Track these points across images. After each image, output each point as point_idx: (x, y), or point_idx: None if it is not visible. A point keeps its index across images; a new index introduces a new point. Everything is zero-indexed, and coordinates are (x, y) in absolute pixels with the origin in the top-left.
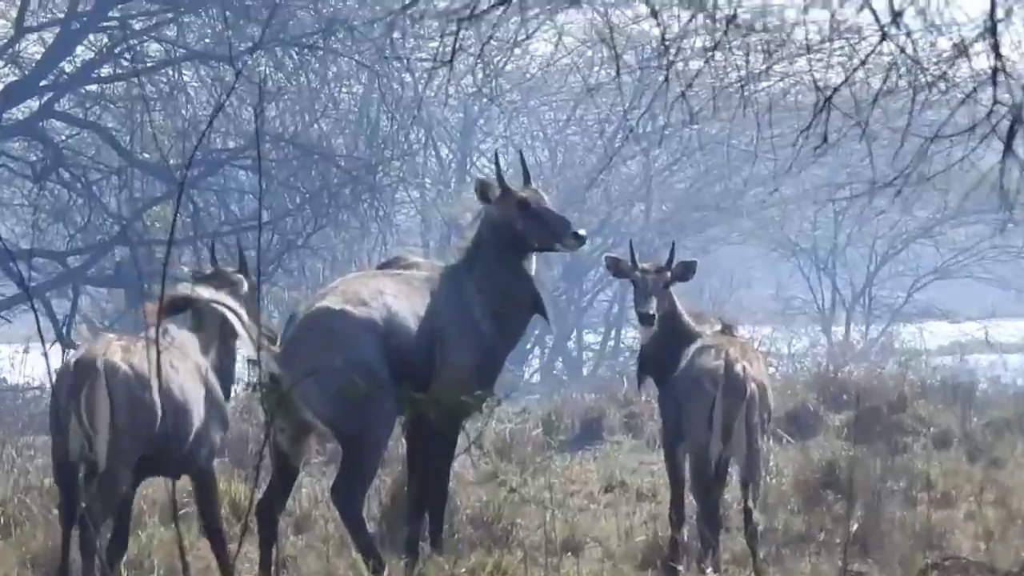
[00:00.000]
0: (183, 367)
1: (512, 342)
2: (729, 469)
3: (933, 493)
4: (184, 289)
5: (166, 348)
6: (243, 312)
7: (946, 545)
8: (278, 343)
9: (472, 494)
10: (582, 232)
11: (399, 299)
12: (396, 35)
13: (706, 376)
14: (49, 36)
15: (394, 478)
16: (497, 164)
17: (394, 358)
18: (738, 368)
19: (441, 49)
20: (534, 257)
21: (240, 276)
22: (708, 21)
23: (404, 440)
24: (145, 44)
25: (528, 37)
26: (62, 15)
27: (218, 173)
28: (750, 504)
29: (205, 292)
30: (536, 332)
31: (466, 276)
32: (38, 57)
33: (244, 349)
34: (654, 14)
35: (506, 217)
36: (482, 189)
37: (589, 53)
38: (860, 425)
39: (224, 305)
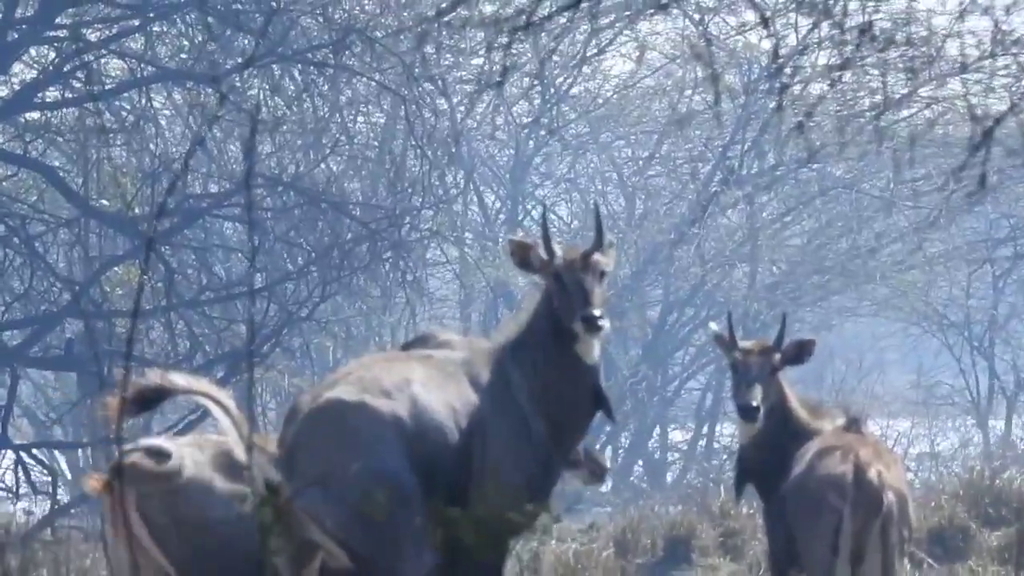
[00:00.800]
0: None
1: (570, 444)
2: None
3: None
4: (155, 377)
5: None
6: (229, 402)
7: None
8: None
9: None
10: (594, 314)
11: (430, 389)
12: (428, 49)
13: (830, 485)
14: None
15: None
16: (544, 219)
17: (423, 463)
18: (872, 474)
19: (488, 68)
20: (597, 341)
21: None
22: (834, 32)
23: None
24: (104, 60)
25: (600, 52)
26: None
27: (197, 225)
28: None
29: (180, 380)
30: (608, 429)
31: (513, 361)
32: None
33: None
34: (764, 23)
35: (547, 291)
36: (521, 253)
37: (680, 73)
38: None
39: (205, 395)
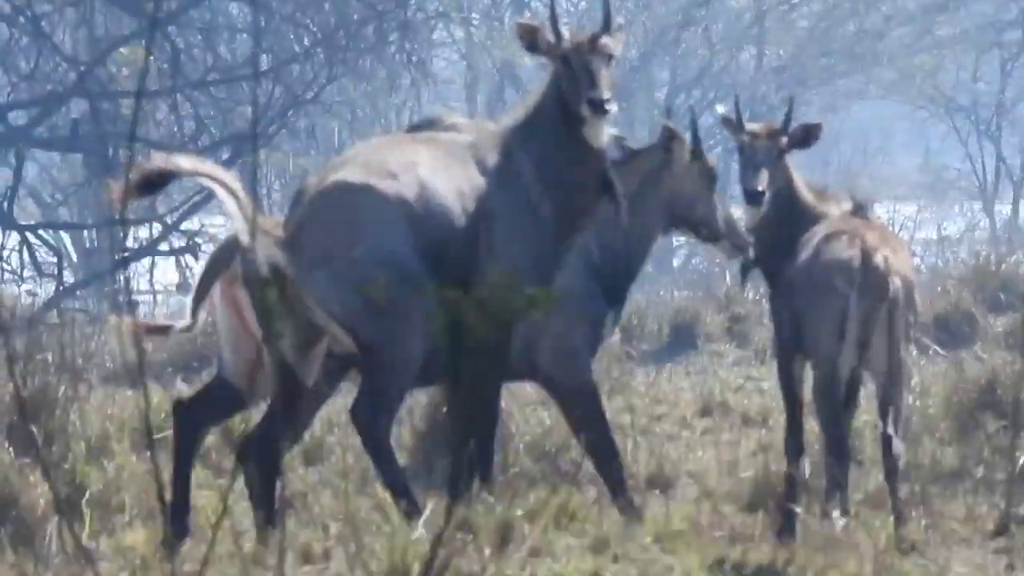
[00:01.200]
0: None
1: (576, 231)
2: (863, 387)
3: None
4: (159, 159)
5: None
6: (235, 184)
7: None
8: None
9: (531, 417)
10: (601, 97)
11: (437, 172)
12: None
13: (836, 269)
14: None
15: (430, 397)
16: (552, 2)
17: (428, 246)
18: (878, 259)
19: None
20: (604, 125)
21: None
22: None
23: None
24: None
25: None
26: None
27: (203, 5)
28: (890, 431)
29: (185, 162)
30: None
31: (521, 145)
32: None
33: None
34: None
35: (554, 74)
36: (529, 37)
37: None
38: None
39: (210, 177)
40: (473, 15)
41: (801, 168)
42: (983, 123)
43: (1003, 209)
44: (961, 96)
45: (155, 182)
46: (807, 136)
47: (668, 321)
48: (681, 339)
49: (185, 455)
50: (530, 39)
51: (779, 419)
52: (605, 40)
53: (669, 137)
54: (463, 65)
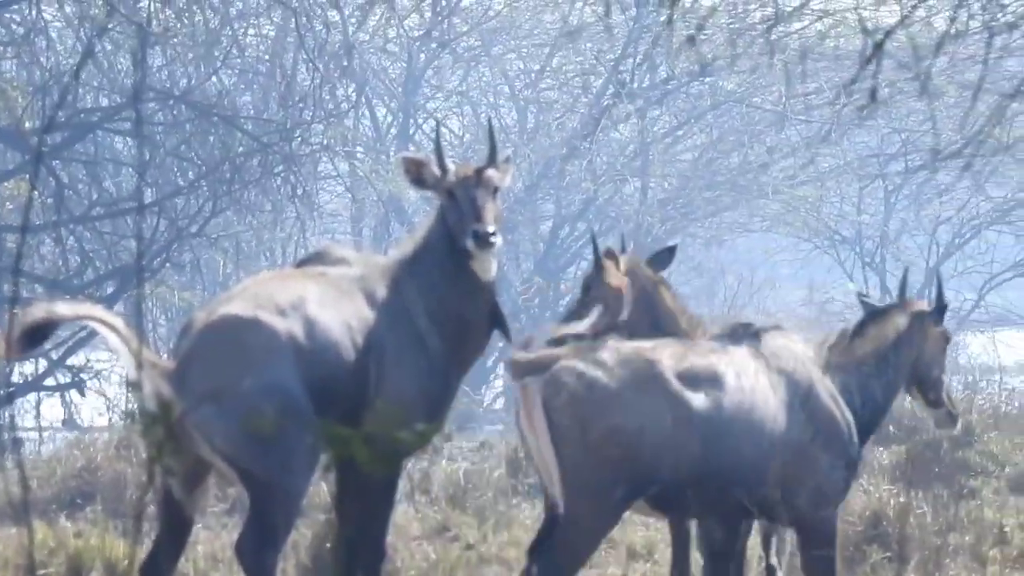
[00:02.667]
0: None
1: (468, 363)
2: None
3: (1008, 550)
4: (38, 310)
5: None
6: (116, 320)
7: None
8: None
9: (417, 552)
10: (486, 230)
11: (325, 307)
12: None
13: None
14: None
15: (315, 531)
16: (437, 135)
17: (317, 382)
18: None
19: None
20: (492, 258)
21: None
22: None
23: (327, 484)
24: None
25: None
26: None
27: (88, 139)
28: (772, 561)
29: (64, 308)
30: (500, 345)
31: (410, 278)
32: None
33: (124, 367)
34: None
35: (441, 207)
36: (415, 170)
37: None
38: (914, 464)
39: (91, 318)
40: (357, 148)
41: (688, 299)
42: (867, 255)
43: None
44: (845, 228)
45: (39, 333)
46: (660, 263)
47: None
48: None
49: None
50: (416, 172)
51: (665, 553)
52: (491, 173)
53: (917, 314)
54: (348, 197)
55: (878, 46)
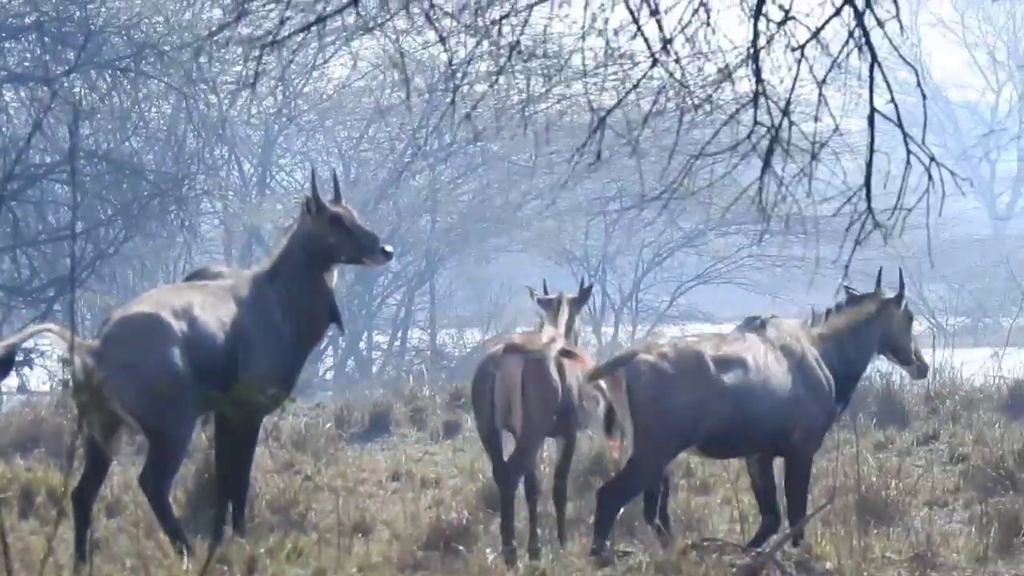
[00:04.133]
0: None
1: (310, 348)
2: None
3: (693, 481)
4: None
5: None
6: (52, 326)
7: (704, 528)
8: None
9: (271, 482)
10: (389, 248)
11: (205, 310)
12: (203, 59)
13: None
14: None
15: (198, 467)
16: (313, 181)
17: (198, 362)
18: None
19: (245, 73)
20: (335, 269)
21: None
22: (492, 48)
23: (207, 433)
24: None
25: (326, 62)
26: None
27: (36, 187)
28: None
29: (14, 337)
30: (330, 334)
31: (270, 286)
32: None
33: (60, 349)
34: (442, 41)
35: (320, 231)
36: (305, 204)
37: (381, 76)
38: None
39: (36, 332)
40: (229, 192)
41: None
42: (592, 269)
43: (607, 331)
44: (577, 250)
45: (4, 364)
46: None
47: (368, 412)
48: (378, 425)
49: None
50: (307, 206)
51: (447, 482)
52: (347, 206)
53: (883, 300)
54: (222, 228)
55: (601, 121)
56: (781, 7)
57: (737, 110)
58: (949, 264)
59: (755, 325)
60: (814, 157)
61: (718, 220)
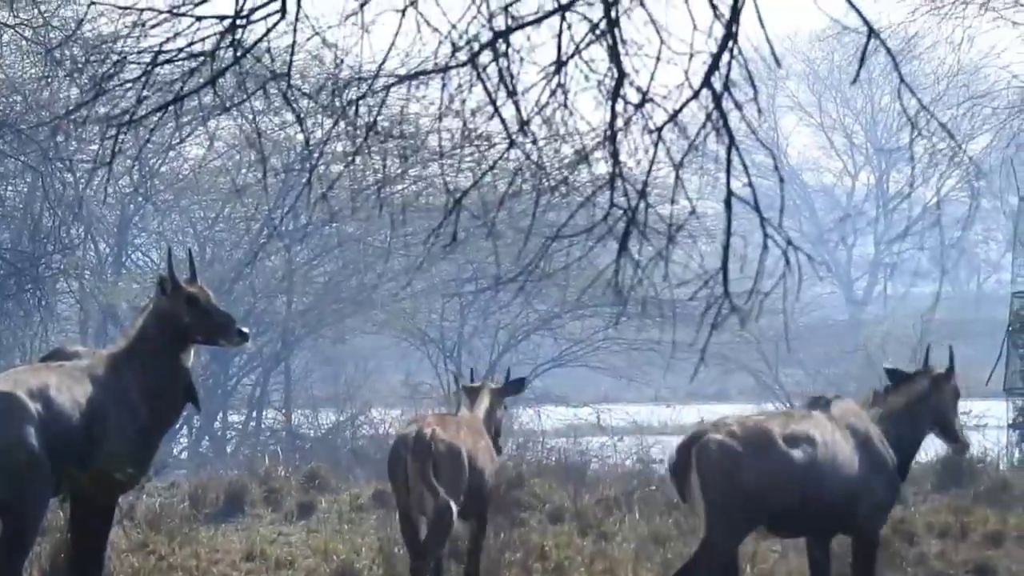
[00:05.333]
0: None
1: (167, 427)
2: None
3: (547, 563)
4: None
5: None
6: None
7: None
8: None
9: (125, 562)
10: (246, 330)
11: (61, 391)
12: (60, 138)
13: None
14: None
15: (53, 545)
16: (169, 261)
17: (54, 442)
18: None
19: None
20: (191, 349)
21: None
22: (349, 128)
23: (64, 511)
24: None
25: (182, 141)
26: None
27: None
28: None
29: None
30: (186, 413)
31: (126, 365)
32: None
33: None
34: (299, 121)
35: (175, 311)
36: (160, 283)
37: (238, 156)
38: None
39: None
40: (85, 272)
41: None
42: (447, 351)
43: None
44: (432, 331)
45: None
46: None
47: (223, 492)
48: (233, 505)
49: None
50: (162, 285)
51: (302, 562)
52: (206, 288)
53: (935, 377)
54: (78, 307)
55: (457, 202)
56: (639, 89)
57: (593, 192)
58: (805, 348)
59: (820, 404)
60: (670, 240)
61: (574, 303)
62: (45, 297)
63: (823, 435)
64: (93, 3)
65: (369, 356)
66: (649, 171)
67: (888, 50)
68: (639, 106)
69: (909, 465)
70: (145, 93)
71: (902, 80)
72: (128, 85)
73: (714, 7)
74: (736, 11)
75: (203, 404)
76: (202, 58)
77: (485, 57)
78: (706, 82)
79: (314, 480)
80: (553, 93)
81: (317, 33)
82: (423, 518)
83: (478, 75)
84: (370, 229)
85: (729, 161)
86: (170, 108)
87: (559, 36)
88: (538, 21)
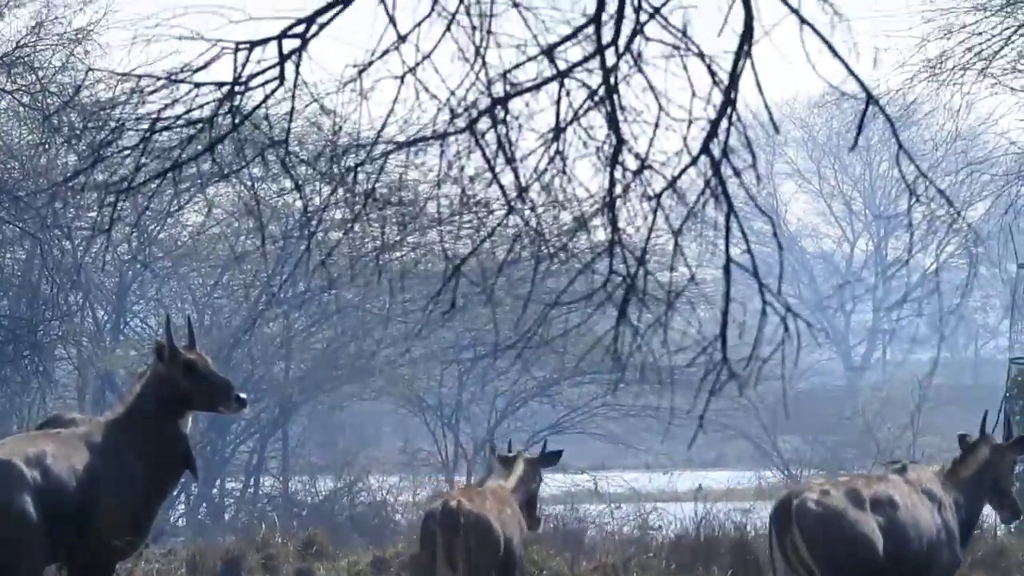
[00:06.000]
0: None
1: (165, 494)
2: None
3: None
4: None
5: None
6: None
7: None
8: None
9: None
10: (244, 396)
11: (58, 458)
12: (58, 205)
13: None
14: None
15: None
16: (167, 328)
17: (51, 510)
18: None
19: (100, 219)
20: (189, 416)
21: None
22: (347, 195)
23: None
24: None
25: (180, 208)
26: None
27: None
28: None
29: None
30: (183, 480)
31: (123, 433)
32: None
33: None
34: (298, 188)
35: (173, 378)
36: (158, 350)
37: (236, 223)
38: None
39: None
40: (83, 339)
41: (317, 448)
42: (446, 417)
43: (460, 481)
44: (430, 397)
45: None
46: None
47: (220, 559)
48: (230, 572)
49: None
50: (159, 351)
51: None
52: (205, 355)
53: (996, 446)
54: (76, 374)
55: (456, 269)
56: (637, 156)
57: (592, 259)
58: (804, 415)
59: (897, 468)
60: (669, 306)
61: (572, 369)
62: (43, 363)
63: (903, 498)
64: (91, 69)
65: (367, 423)
66: (648, 238)
67: (887, 116)
68: (637, 172)
69: (971, 532)
70: (143, 160)
71: (900, 146)
72: (126, 152)
73: (712, 73)
74: (735, 77)
75: (201, 471)
76: (200, 125)
77: (483, 124)
78: (704, 148)
79: (311, 547)
80: (552, 159)
81: (316, 100)
82: None
83: (476, 141)
84: (368, 296)
85: (728, 228)
86: (168, 175)
87: (557, 102)
88: (536, 88)
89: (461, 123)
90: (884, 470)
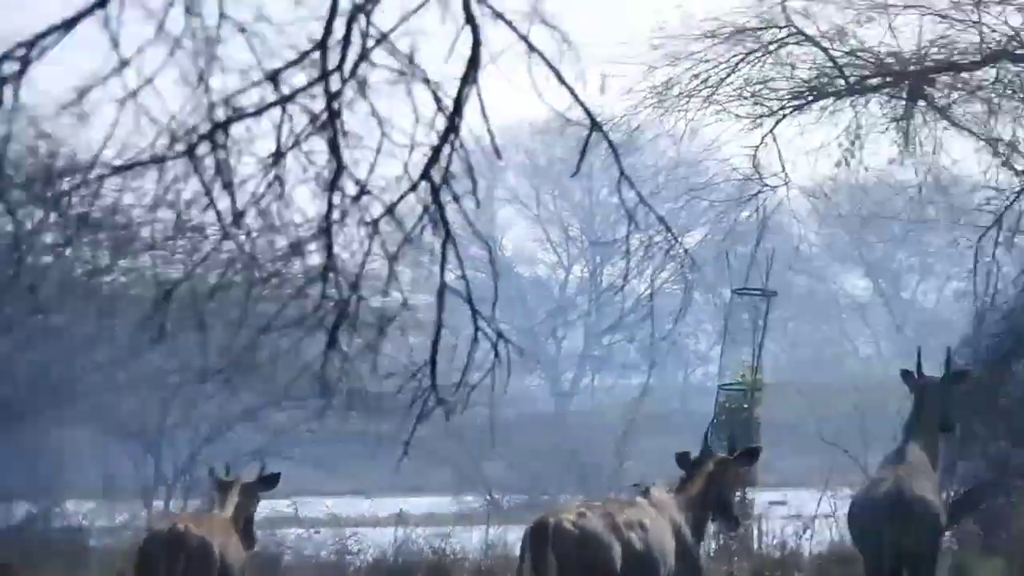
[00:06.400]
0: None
1: None
2: None
3: None
4: None
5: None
6: None
7: None
8: None
9: None
10: None
11: None
12: None
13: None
14: None
15: None
16: None
17: None
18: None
19: None
20: None
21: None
22: (60, 219)
23: None
24: None
25: None
26: None
27: None
28: None
29: None
30: None
31: None
32: None
33: None
34: (10, 212)
35: None
36: None
37: None
38: None
39: None
40: None
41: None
42: (147, 444)
43: (159, 504)
44: (133, 423)
45: None
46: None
47: None
48: None
49: None
50: None
51: None
52: None
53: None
54: None
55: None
56: (357, 182)
57: (305, 284)
58: (510, 441)
59: (642, 491)
60: (381, 332)
61: (280, 394)
62: None
63: (651, 522)
64: None
65: (67, 448)
66: (363, 264)
67: (610, 143)
68: (356, 198)
69: (701, 544)
70: None
71: (622, 173)
72: None
73: (438, 100)
74: (459, 103)
75: None
76: None
77: (203, 148)
78: (425, 174)
79: (5, 574)
80: (270, 184)
81: (32, 123)
82: None
83: (195, 167)
84: (77, 319)
85: (444, 254)
86: None
87: (279, 127)
88: (259, 112)
89: (181, 147)
90: (627, 494)
